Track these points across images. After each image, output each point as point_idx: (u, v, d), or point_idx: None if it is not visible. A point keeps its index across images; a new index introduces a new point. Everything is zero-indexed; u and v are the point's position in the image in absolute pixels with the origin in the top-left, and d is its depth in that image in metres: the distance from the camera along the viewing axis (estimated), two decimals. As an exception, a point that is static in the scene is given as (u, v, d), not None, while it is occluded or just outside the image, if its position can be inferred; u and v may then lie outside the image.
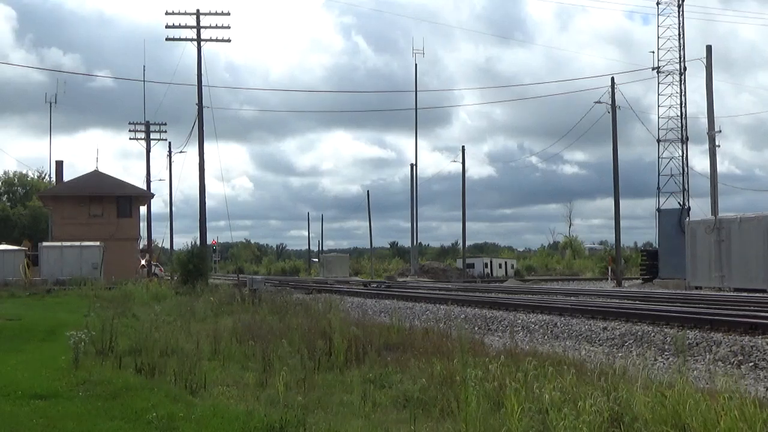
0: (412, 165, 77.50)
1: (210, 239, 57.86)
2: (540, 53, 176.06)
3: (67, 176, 62.49)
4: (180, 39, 42.62)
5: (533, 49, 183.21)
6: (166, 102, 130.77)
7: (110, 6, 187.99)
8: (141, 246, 61.61)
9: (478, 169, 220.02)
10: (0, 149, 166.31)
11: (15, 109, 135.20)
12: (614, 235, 52.27)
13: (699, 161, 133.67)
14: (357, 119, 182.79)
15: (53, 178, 69.58)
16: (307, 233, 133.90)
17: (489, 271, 76.37)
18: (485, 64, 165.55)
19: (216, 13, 42.70)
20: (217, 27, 42.58)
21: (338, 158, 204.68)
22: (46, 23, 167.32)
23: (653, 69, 51.64)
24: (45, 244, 51.17)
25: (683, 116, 51.38)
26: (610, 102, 49.48)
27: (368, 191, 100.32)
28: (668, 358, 13.13)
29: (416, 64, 78.02)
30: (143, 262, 59.60)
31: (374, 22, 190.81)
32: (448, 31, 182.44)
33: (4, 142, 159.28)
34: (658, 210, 51.57)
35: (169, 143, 67.23)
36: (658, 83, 51.88)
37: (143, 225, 61.51)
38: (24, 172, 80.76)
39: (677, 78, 51.20)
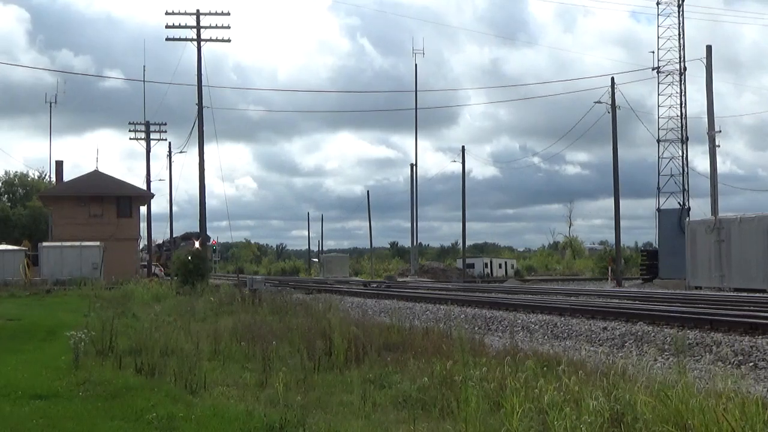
0: (412, 165, 77.73)
1: (210, 239, 57.79)
2: (544, 54, 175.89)
3: (73, 176, 62.66)
4: (180, 39, 42.66)
5: (537, 50, 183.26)
6: (169, 102, 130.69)
7: (118, 7, 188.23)
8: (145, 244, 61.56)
9: (481, 170, 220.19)
10: (4, 150, 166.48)
11: (25, 110, 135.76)
12: (614, 235, 52.36)
13: (700, 161, 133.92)
14: (362, 120, 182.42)
15: (53, 179, 69.60)
16: (307, 233, 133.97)
17: (489, 271, 76.39)
18: (489, 65, 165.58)
19: (216, 13, 42.80)
20: (217, 27, 42.66)
21: (343, 158, 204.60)
22: (58, 25, 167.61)
23: (653, 69, 51.71)
24: (45, 244, 51.19)
25: (683, 116, 51.46)
26: (610, 102, 49.47)
27: (368, 191, 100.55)
28: (668, 358, 13.12)
29: (416, 64, 78.04)
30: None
31: (379, 24, 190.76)
32: (453, 33, 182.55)
33: (14, 143, 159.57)
34: (659, 210, 51.62)
35: (169, 143, 67.19)
36: (658, 83, 51.97)
37: (143, 225, 61.61)
38: (24, 172, 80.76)
39: (677, 78, 51.27)
